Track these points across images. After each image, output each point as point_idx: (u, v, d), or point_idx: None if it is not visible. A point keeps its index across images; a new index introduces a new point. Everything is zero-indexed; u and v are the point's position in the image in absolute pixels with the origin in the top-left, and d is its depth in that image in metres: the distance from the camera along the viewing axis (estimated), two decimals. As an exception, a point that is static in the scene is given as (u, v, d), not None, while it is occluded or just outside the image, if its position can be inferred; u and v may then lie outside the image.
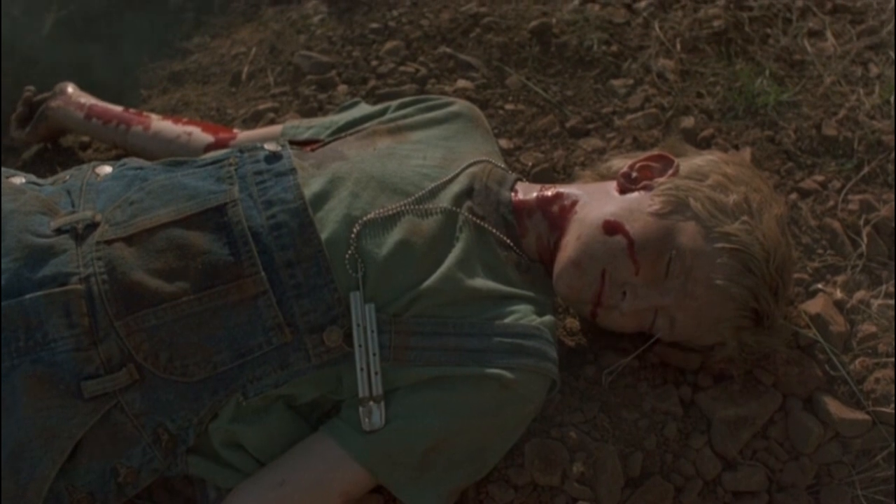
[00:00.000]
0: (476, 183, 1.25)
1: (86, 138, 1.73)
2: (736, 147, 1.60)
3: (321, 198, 1.15)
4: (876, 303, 1.42)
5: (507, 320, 1.15)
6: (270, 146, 1.21)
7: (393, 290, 1.12)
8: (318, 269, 1.10)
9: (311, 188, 1.15)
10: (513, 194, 1.29)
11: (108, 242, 1.10)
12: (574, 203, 1.25)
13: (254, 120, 1.67)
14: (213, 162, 1.20)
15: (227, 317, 1.08)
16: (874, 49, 1.79)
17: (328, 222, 1.13)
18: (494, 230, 1.22)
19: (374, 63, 1.74)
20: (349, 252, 1.11)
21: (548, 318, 1.19)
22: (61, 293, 1.06)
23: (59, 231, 1.11)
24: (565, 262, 1.21)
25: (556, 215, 1.26)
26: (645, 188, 1.23)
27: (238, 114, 1.69)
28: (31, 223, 1.11)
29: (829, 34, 1.82)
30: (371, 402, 1.10)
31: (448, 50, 1.76)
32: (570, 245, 1.21)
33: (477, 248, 1.19)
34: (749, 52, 1.77)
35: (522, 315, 1.16)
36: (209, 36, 1.95)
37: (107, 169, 1.22)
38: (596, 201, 1.24)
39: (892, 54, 1.77)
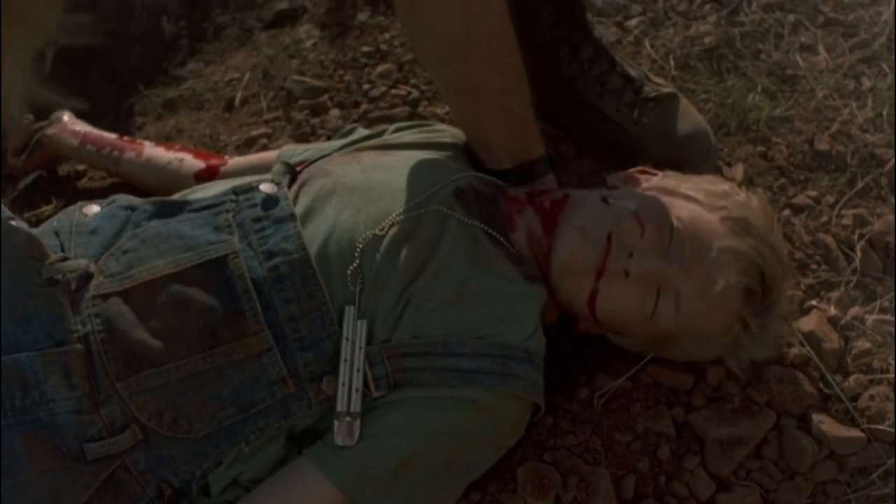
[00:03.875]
0: (465, 187, 1.25)
1: (81, 167, 1.74)
2: (728, 164, 1.60)
3: (305, 217, 1.15)
4: (871, 318, 1.41)
5: (498, 337, 1.13)
6: (266, 188, 1.19)
7: (385, 298, 1.11)
8: (322, 322, 1.10)
9: (296, 209, 1.15)
10: (503, 193, 1.28)
11: (105, 297, 1.08)
12: (566, 197, 1.25)
13: (247, 146, 1.67)
14: (209, 206, 1.18)
15: (231, 374, 1.07)
16: (866, 62, 1.79)
17: (314, 242, 1.13)
18: (484, 227, 1.21)
19: (366, 87, 1.75)
20: (352, 266, 1.11)
21: (537, 340, 1.17)
22: (60, 354, 1.05)
23: (51, 281, 1.09)
24: (567, 230, 1.20)
25: (547, 209, 1.25)
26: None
27: (231, 140, 1.70)
28: (22, 271, 1.08)
29: (821, 48, 1.82)
30: (347, 418, 1.08)
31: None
32: (570, 217, 1.21)
33: (465, 245, 1.18)
34: (741, 68, 1.77)
35: (514, 328, 1.15)
36: (203, 62, 1.96)
37: (95, 208, 1.20)
38: (589, 195, 1.26)
39: (885, 67, 1.77)
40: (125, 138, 1.63)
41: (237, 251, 1.10)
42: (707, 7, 1.87)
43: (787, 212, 1.54)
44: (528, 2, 1.46)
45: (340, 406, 1.08)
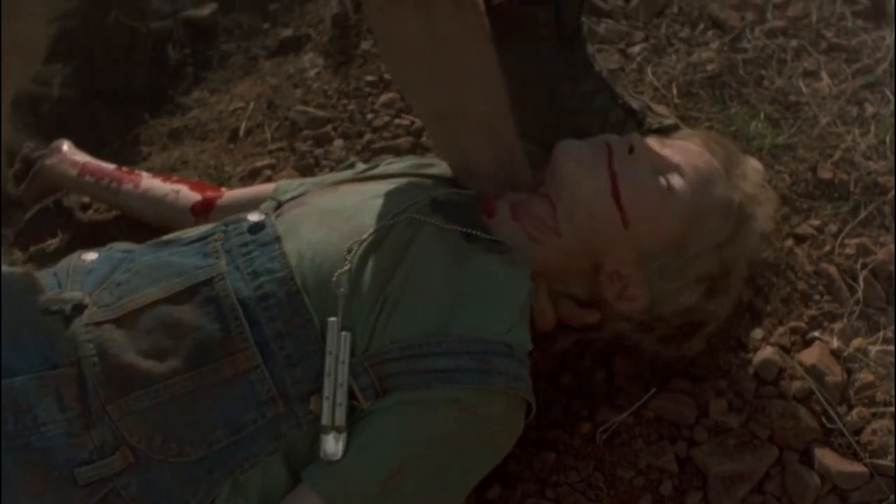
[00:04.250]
0: (442, 199, 1.25)
1: (87, 199, 1.75)
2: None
3: (281, 240, 1.17)
4: (874, 350, 1.41)
5: (475, 333, 1.12)
6: (254, 216, 1.21)
7: (362, 308, 1.11)
8: (308, 338, 1.10)
9: None
10: (480, 195, 1.29)
11: (98, 324, 1.11)
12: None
13: (251, 177, 1.68)
14: (200, 238, 1.20)
15: (220, 394, 1.08)
16: (870, 88, 1.79)
17: (291, 261, 1.14)
18: (462, 228, 1.21)
19: (370, 116, 1.76)
20: (331, 281, 1.11)
21: (518, 333, 1.15)
22: (53, 376, 1.07)
23: (47, 311, 1.12)
24: (562, 160, 1.25)
25: (531, 185, 1.28)
26: None
27: (235, 171, 1.71)
28: (19, 303, 1.12)
29: (824, 74, 1.82)
30: (333, 432, 1.08)
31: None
32: (561, 157, 1.25)
33: (440, 247, 1.18)
34: (744, 95, 1.77)
35: (493, 322, 1.14)
36: (208, 91, 1.97)
37: (92, 255, 1.23)
38: None
39: (888, 93, 1.77)
40: (124, 169, 1.64)
41: (224, 273, 1.12)
42: (710, 33, 1.87)
43: (790, 242, 1.55)
44: (527, 36, 1.47)
45: (325, 420, 1.08)
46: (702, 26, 1.88)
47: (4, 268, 1.15)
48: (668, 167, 1.23)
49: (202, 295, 1.11)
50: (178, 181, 1.57)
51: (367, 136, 1.72)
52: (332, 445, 1.08)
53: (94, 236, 1.63)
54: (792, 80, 1.80)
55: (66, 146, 1.69)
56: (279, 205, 1.32)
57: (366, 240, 1.15)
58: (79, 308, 1.12)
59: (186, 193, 1.54)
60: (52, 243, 1.67)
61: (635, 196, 1.21)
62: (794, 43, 1.87)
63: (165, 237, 1.24)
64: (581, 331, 1.31)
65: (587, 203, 1.21)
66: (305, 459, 1.11)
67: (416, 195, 1.25)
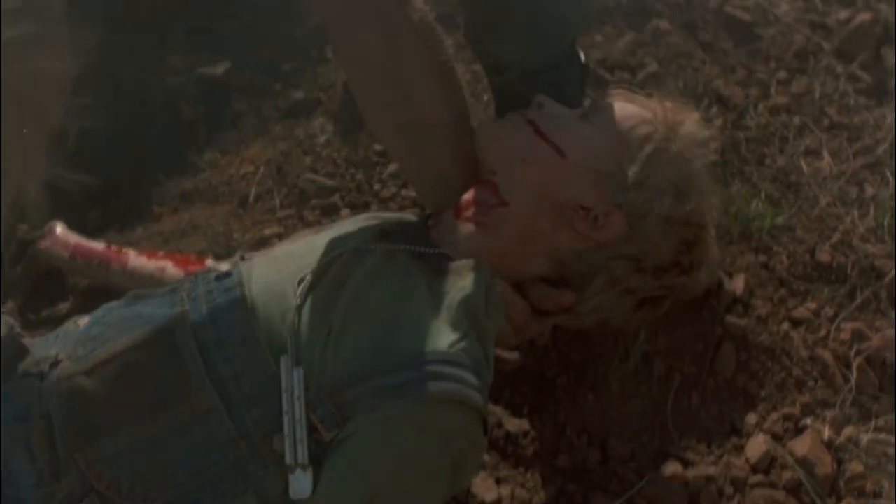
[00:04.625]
0: (391, 229, 1.29)
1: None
2: (729, 275, 1.63)
3: None
4: (865, 438, 1.43)
5: (423, 346, 1.11)
6: (225, 266, 1.25)
7: (313, 341, 1.12)
8: (265, 377, 1.11)
9: None
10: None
11: (69, 377, 1.15)
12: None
13: (259, 245, 1.71)
14: (171, 290, 1.24)
15: (182, 437, 1.11)
16: (870, 168, 1.82)
17: None
18: (408, 247, 1.23)
19: (377, 187, 1.79)
20: (283, 318, 1.14)
21: (468, 343, 1.14)
22: (23, 429, 1.12)
23: (26, 374, 1.17)
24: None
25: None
26: None
27: (244, 239, 1.75)
28: (3, 369, 1.18)
29: (825, 152, 1.85)
30: (298, 469, 1.09)
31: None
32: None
33: (384, 270, 1.19)
34: (745, 173, 1.80)
35: (440, 335, 1.13)
36: (220, 152, 2.01)
37: (85, 319, 1.27)
38: None
39: (888, 174, 1.80)
40: (112, 248, 1.72)
41: (185, 318, 1.15)
42: (714, 110, 1.90)
43: (786, 325, 1.57)
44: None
45: (289, 458, 1.08)
46: (706, 102, 1.91)
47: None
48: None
49: (163, 341, 1.14)
50: (163, 257, 1.68)
51: (374, 207, 1.75)
52: (300, 483, 1.08)
53: (104, 299, 1.67)
54: (793, 159, 1.83)
55: (59, 228, 1.78)
56: (243, 256, 1.33)
57: (310, 275, 1.18)
58: (54, 364, 1.17)
59: (171, 271, 1.64)
60: (63, 307, 1.71)
61: (557, 127, 1.26)
62: (796, 120, 1.90)
63: (142, 291, 1.28)
64: (560, 314, 1.30)
65: (518, 151, 1.25)
66: (282, 499, 1.11)
67: (366, 230, 1.29)
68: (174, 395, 1.11)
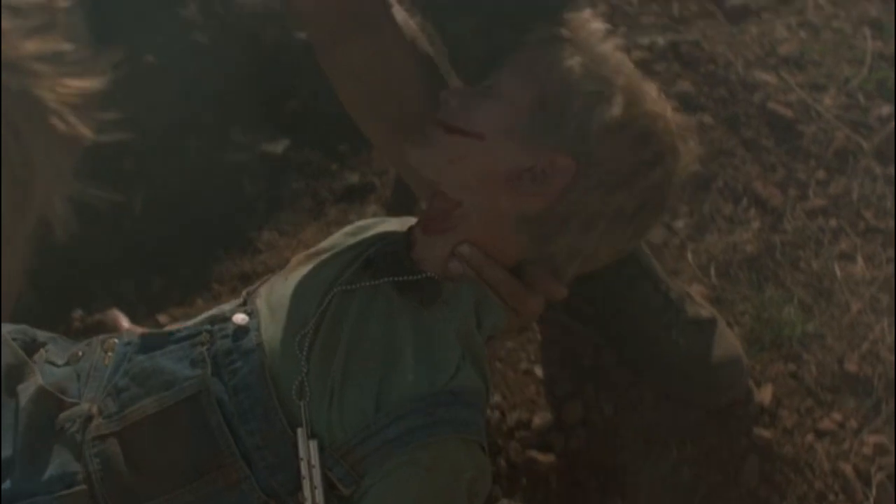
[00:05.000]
0: (374, 255, 1.27)
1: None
2: (758, 384, 1.70)
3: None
4: (882, 556, 1.50)
5: (416, 390, 1.14)
6: (238, 319, 1.25)
7: (319, 403, 1.16)
8: (286, 447, 1.16)
9: None
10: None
11: (103, 438, 1.20)
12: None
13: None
14: (188, 337, 1.26)
15: (217, 502, 1.17)
16: (902, 275, 1.88)
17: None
18: (392, 279, 1.22)
19: (424, 280, 1.88)
20: (297, 381, 1.17)
21: (463, 376, 1.16)
22: (69, 496, 1.17)
23: (62, 430, 1.21)
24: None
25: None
26: None
27: (297, 328, 1.84)
28: (37, 424, 1.22)
29: (859, 257, 1.90)
30: None
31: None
32: None
33: (370, 313, 1.20)
34: (779, 277, 1.86)
35: (431, 375, 1.15)
36: (278, 232, 2.10)
37: (114, 341, 1.30)
38: None
39: (920, 283, 1.85)
40: None
41: (209, 387, 1.19)
42: (751, 211, 1.96)
43: (811, 437, 1.64)
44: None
45: None
46: (744, 202, 1.97)
47: (25, 387, 1.24)
48: None
49: (191, 411, 1.18)
50: None
51: (420, 300, 1.83)
52: None
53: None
54: (828, 263, 1.89)
55: (123, 322, 1.81)
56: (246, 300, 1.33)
57: (307, 334, 1.18)
58: (87, 419, 1.21)
59: None
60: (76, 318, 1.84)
61: (466, 115, 1.21)
62: (833, 223, 1.95)
63: (159, 331, 1.31)
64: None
65: (442, 157, 1.22)
66: None
67: (352, 259, 1.27)
68: (207, 465, 1.16)
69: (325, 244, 1.36)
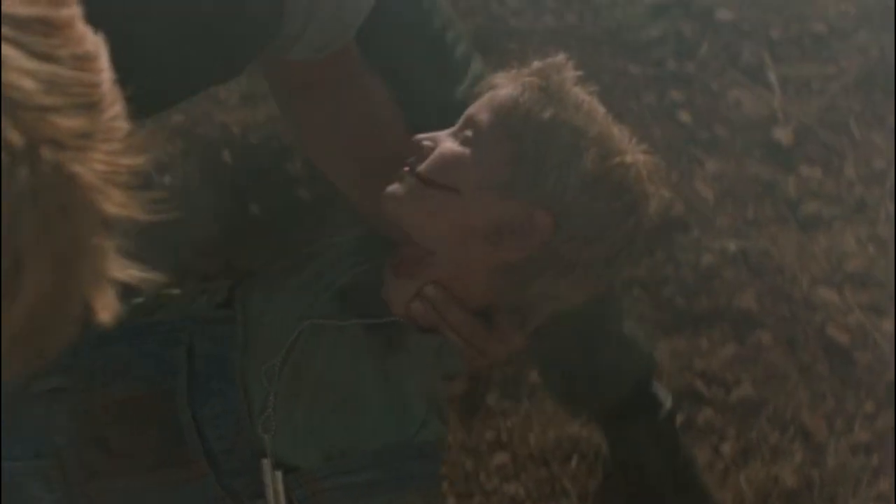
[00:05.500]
0: (348, 285, 1.25)
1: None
2: None
3: None
4: None
5: (385, 440, 1.16)
6: (219, 324, 1.27)
7: (285, 431, 1.17)
8: (253, 454, 1.18)
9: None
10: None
11: (73, 413, 1.23)
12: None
13: None
14: (168, 331, 1.26)
15: (176, 492, 1.21)
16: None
17: None
18: (363, 320, 1.20)
19: (483, 477, 2.03)
20: (263, 416, 1.18)
21: (429, 429, 1.17)
22: (42, 464, 1.22)
23: (35, 398, 1.24)
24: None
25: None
26: None
27: None
28: (10, 384, 1.20)
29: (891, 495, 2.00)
30: None
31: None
32: None
33: (339, 354, 1.19)
34: (816, 517, 1.97)
35: (399, 426, 1.16)
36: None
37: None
38: None
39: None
40: None
41: (183, 386, 1.20)
42: (796, 443, 2.07)
43: None
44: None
45: None
46: (791, 432, 2.08)
47: None
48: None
49: (161, 406, 1.20)
50: None
51: (477, 500, 1.99)
52: None
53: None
54: (864, 504, 1.99)
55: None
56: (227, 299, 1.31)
57: (275, 365, 1.18)
58: (59, 391, 1.23)
59: None
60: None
61: (443, 165, 1.16)
62: (874, 461, 2.05)
63: (140, 320, 1.29)
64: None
65: (416, 209, 1.17)
66: None
67: (325, 287, 1.25)
68: (171, 459, 1.19)
69: (311, 249, 1.34)
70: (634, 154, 1.17)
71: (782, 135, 2.64)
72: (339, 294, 1.23)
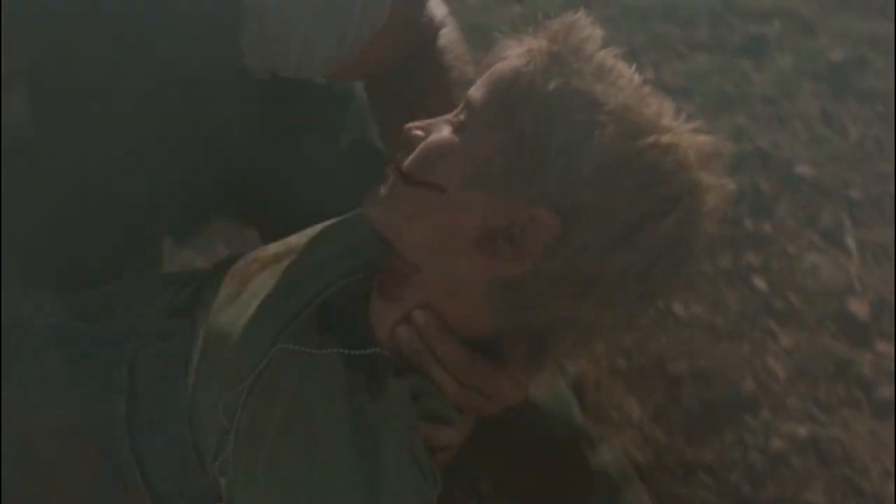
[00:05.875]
0: (330, 301, 1.05)
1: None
2: None
3: None
4: None
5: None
6: (171, 339, 1.16)
7: (244, 479, 1.01)
8: (202, 496, 1.06)
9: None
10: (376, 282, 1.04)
11: (12, 428, 1.11)
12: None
13: None
14: (112, 342, 1.14)
15: None
16: None
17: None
18: (340, 350, 1.00)
19: None
20: (220, 459, 1.02)
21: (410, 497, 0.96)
22: None
23: None
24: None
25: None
26: None
27: None
28: None
29: None
30: None
31: None
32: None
33: (311, 389, 0.99)
34: None
35: (378, 493, 0.93)
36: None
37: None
38: None
39: None
40: None
41: (121, 418, 1.08)
42: None
43: None
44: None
45: None
46: None
47: None
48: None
49: (101, 441, 1.08)
50: None
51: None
52: None
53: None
54: None
55: None
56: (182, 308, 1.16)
57: (239, 394, 1.00)
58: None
59: None
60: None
61: (427, 158, 0.96)
62: None
63: (80, 325, 1.15)
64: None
65: (397, 213, 0.98)
66: None
67: (305, 304, 1.05)
68: (110, 500, 1.09)
69: (284, 249, 1.13)
70: (678, 134, 0.92)
71: (858, 307, 2.61)
72: (319, 312, 1.03)
